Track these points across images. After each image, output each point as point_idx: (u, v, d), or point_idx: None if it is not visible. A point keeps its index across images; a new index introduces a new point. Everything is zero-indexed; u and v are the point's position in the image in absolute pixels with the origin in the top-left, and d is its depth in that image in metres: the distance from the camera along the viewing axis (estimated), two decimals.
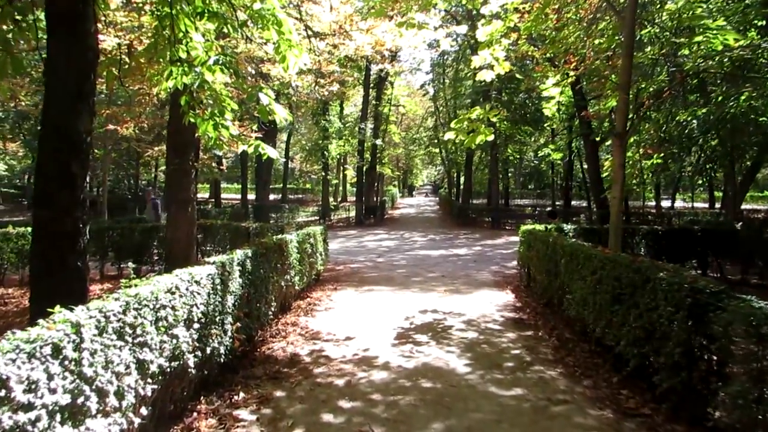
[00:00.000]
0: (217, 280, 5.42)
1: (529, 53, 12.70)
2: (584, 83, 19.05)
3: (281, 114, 6.54)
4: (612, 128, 22.69)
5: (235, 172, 59.56)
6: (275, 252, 7.80)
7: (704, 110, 12.69)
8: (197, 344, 4.82)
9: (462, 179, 44.97)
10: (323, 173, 38.45)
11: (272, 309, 7.51)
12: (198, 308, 4.90)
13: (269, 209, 32.92)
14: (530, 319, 8.72)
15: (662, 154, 14.47)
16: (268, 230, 13.00)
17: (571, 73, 12.83)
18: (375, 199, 39.72)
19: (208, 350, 5.08)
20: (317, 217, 33.70)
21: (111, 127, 14.48)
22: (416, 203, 60.53)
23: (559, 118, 33.46)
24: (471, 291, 11.20)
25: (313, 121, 39.18)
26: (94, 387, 3.28)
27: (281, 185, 52.11)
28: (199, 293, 4.95)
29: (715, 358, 4.52)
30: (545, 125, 34.64)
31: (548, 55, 13.56)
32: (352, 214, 33.76)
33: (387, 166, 50.48)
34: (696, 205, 44.04)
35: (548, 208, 32.54)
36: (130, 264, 12.20)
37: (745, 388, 3.91)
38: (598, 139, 24.77)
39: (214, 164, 20.78)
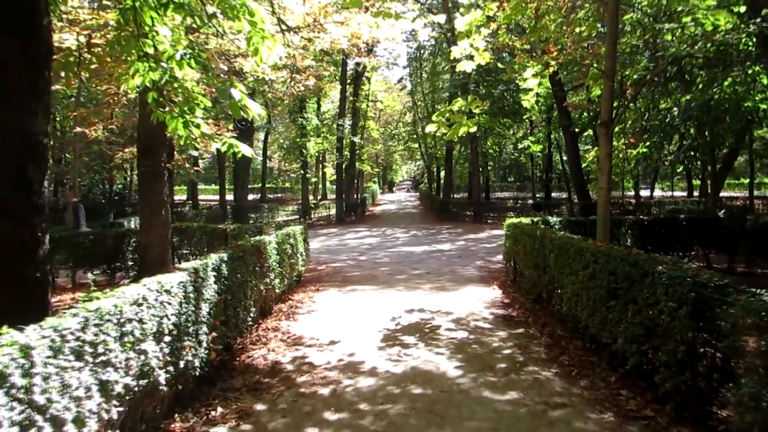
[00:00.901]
0: (190, 288, 5.06)
1: (509, 43, 12.43)
2: (564, 73, 18.86)
3: (255, 110, 6.19)
4: (594, 118, 22.64)
5: (213, 173, 58.83)
6: (253, 254, 7.43)
7: (688, 97, 12.50)
8: (169, 359, 4.46)
9: (442, 173, 44.81)
10: (302, 171, 38.02)
11: (251, 315, 7.14)
12: (169, 320, 4.54)
13: (248, 209, 32.42)
14: (520, 315, 8.46)
15: (647, 144, 14.31)
16: (246, 231, 12.58)
17: (552, 63, 12.59)
18: (355, 196, 39.42)
19: (182, 364, 4.71)
20: (297, 216, 33.23)
21: (79, 129, 13.96)
22: (397, 199, 60.27)
23: (538, 110, 33.39)
24: (457, 288, 10.92)
25: (290, 119, 38.70)
26: (48, 416, 2.92)
27: (260, 185, 51.49)
28: (170, 303, 4.59)
29: (721, 356, 4.28)
30: (524, 117, 34.55)
31: (528, 45, 13.33)
32: (333, 212, 33.35)
33: (366, 163, 50.18)
34: (675, 194, 44.37)
35: (530, 201, 32.48)
36: (90, 275, 11.63)
37: (758, 388, 3.65)
38: (577, 129, 24.70)
39: (187, 165, 20.25)
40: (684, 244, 13.06)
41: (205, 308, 5.35)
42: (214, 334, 5.42)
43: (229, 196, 39.60)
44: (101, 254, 12.92)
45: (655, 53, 12.01)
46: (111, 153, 16.93)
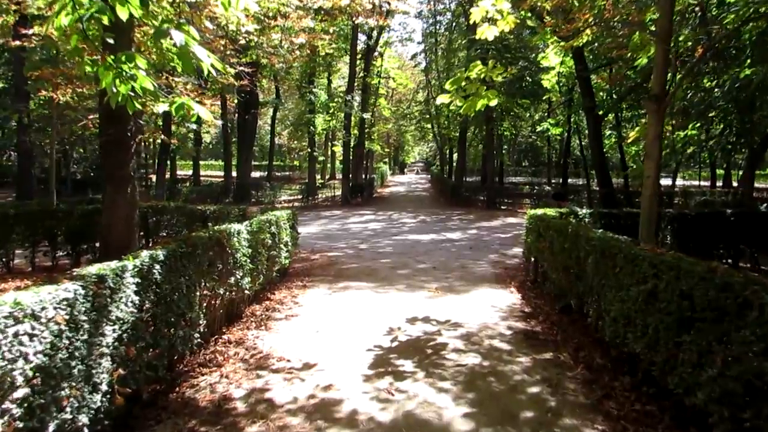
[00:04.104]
0: (84, 307, 3.48)
1: (539, 4, 10.67)
2: (595, 46, 16.92)
3: (205, 60, 4.60)
4: (620, 99, 20.79)
5: (219, 148, 57.22)
6: (210, 249, 5.83)
7: (748, 72, 10.64)
8: (22, 425, 2.89)
9: (455, 156, 43.06)
10: (309, 149, 36.36)
11: (200, 329, 5.52)
12: (29, 362, 2.97)
13: (250, 187, 30.87)
14: (545, 331, 6.83)
15: (696, 125, 12.50)
16: (229, 214, 11.03)
17: (588, 31, 10.83)
18: (364, 176, 37.75)
19: (52, 428, 3.13)
20: (301, 196, 31.64)
21: (43, 93, 12.34)
22: (407, 181, 58.63)
23: (558, 91, 31.49)
24: (468, 289, 9.31)
25: (299, 95, 37.04)
26: None
27: (267, 162, 49.90)
28: (34, 336, 3.02)
29: None
30: (543, 98, 32.67)
31: (553, 19, 11.53)
32: (339, 192, 31.72)
33: (376, 143, 48.40)
34: (697, 183, 42.21)
35: (546, 187, 30.69)
36: None
37: None
38: (601, 112, 22.86)
39: (177, 140, 18.58)
40: (728, 242, 11.38)
41: (111, 334, 3.77)
42: (120, 371, 3.82)
43: (236, 173, 38.06)
44: (66, 234, 11.42)
45: (707, 19, 10.16)
46: (77, 120, 15.09)
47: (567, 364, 5.68)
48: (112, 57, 4.85)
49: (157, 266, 4.59)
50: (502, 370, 5.50)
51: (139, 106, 5.47)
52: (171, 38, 4.43)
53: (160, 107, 5.45)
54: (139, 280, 4.25)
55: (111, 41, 5.25)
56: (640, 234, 7.70)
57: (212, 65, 4.73)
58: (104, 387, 3.63)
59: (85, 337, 3.47)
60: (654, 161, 7.63)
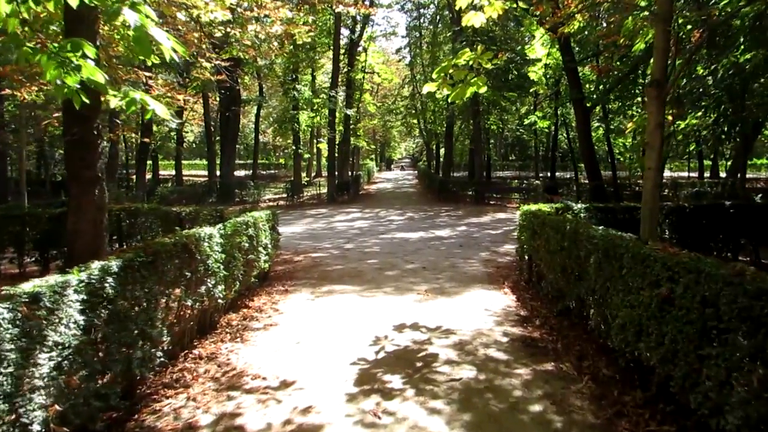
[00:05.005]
0: (8, 335, 2.91)
1: None
2: (584, 34, 16.46)
3: (165, 43, 4.11)
4: (608, 90, 20.39)
5: (203, 147, 56.37)
6: (176, 257, 5.26)
7: (748, 56, 10.20)
8: None
9: (442, 151, 42.63)
10: (294, 147, 35.73)
11: (163, 347, 4.93)
12: None
13: (234, 186, 30.24)
14: (544, 338, 6.33)
15: (698, 114, 12.06)
16: (206, 216, 10.45)
17: (578, 17, 10.36)
18: (350, 173, 37.20)
19: None
20: (286, 195, 30.99)
21: (8, 91, 11.65)
22: (394, 177, 58.08)
23: (545, 83, 31.08)
24: (459, 290, 8.80)
25: (282, 92, 36.42)
26: None
27: (252, 161, 49.20)
28: None
29: None
30: (530, 90, 32.25)
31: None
32: (325, 190, 31.11)
33: (362, 139, 47.80)
34: (683, 174, 42.07)
35: (535, 181, 30.29)
36: None
37: None
38: (589, 104, 22.48)
39: (148, 139, 17.89)
40: (728, 235, 10.97)
41: (46, 363, 3.21)
42: (57, 407, 3.26)
43: (219, 172, 37.38)
44: (35, 240, 10.79)
45: (701, 2, 9.72)
46: (45, 118, 14.31)
47: (570, 375, 5.18)
48: (56, 45, 4.30)
49: (110, 279, 4.03)
50: (499, 384, 4.99)
51: (86, 100, 4.89)
52: (124, 18, 3.94)
53: (112, 102, 4.89)
54: (86, 297, 3.69)
55: (54, 28, 4.70)
56: (642, 230, 7.23)
57: (173, 49, 4.23)
58: (36, 427, 3.06)
59: (11, 369, 2.91)
60: (656, 151, 7.15)
